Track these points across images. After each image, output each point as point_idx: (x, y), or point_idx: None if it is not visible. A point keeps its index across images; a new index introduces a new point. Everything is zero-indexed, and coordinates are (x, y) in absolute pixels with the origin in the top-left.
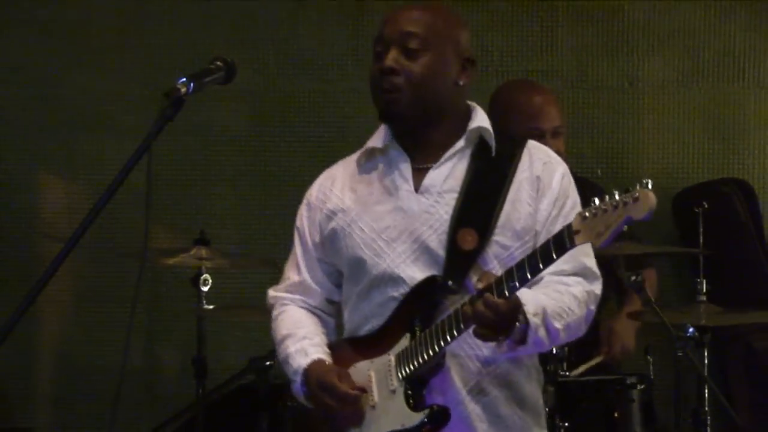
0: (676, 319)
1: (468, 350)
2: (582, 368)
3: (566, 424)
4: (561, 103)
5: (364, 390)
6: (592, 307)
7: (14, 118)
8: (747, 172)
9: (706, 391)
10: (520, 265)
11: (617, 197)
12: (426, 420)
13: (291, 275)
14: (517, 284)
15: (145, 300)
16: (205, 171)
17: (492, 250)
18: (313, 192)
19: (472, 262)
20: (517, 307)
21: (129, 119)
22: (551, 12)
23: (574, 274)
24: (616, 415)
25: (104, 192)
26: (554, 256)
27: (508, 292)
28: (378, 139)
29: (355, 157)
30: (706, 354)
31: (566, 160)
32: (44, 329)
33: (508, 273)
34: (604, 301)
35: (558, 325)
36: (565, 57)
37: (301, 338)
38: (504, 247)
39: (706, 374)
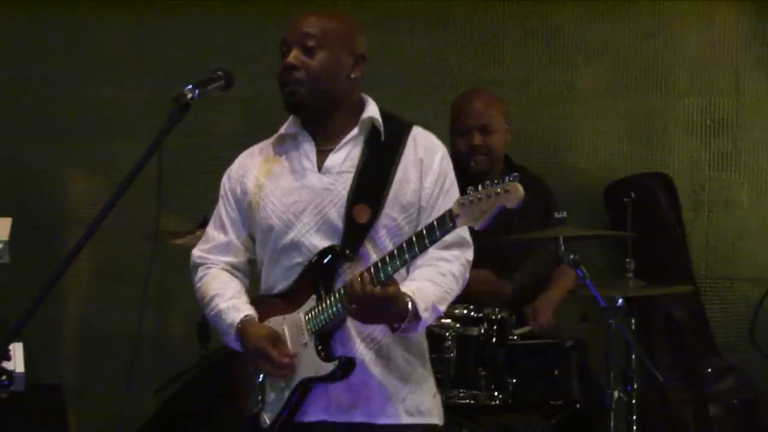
0: (608, 292)
1: None
2: (518, 332)
3: (514, 380)
4: (508, 110)
5: (295, 356)
6: (467, 276)
7: (42, 123)
8: (667, 167)
9: (633, 353)
10: (407, 243)
11: (491, 188)
12: (335, 368)
13: (217, 236)
14: (397, 264)
15: (155, 275)
16: (207, 165)
17: (382, 222)
18: (234, 167)
19: (365, 233)
20: (389, 296)
21: (141, 122)
22: (501, 30)
23: (453, 244)
24: (556, 373)
25: (120, 184)
26: (438, 235)
27: (391, 270)
28: (288, 126)
29: (270, 141)
30: (633, 322)
31: (502, 155)
32: (69, 300)
33: (392, 252)
34: (547, 281)
35: (442, 307)
36: (512, 69)
37: (230, 297)
38: (392, 219)
39: (633, 339)
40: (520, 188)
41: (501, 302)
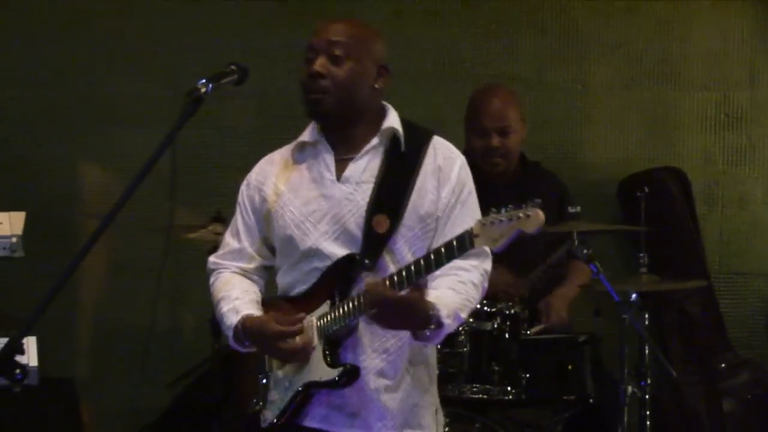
0: (621, 287)
1: None
2: (532, 331)
3: (527, 375)
4: (522, 105)
5: (300, 322)
6: (486, 285)
7: (58, 115)
8: (681, 161)
9: (647, 348)
10: (424, 260)
11: (512, 211)
12: (339, 375)
13: (231, 242)
14: (413, 278)
15: (169, 269)
16: (220, 159)
17: (400, 233)
18: (253, 175)
19: (384, 243)
20: (412, 301)
21: (155, 116)
22: (515, 25)
23: (472, 254)
24: (569, 368)
25: (134, 178)
26: (456, 254)
27: (410, 282)
28: (308, 134)
29: (290, 147)
30: (646, 317)
31: (518, 154)
32: (83, 294)
33: (410, 266)
34: (560, 276)
35: (463, 315)
36: (526, 64)
37: (234, 299)
38: (410, 229)
39: (646, 334)
40: (542, 215)
41: (514, 299)
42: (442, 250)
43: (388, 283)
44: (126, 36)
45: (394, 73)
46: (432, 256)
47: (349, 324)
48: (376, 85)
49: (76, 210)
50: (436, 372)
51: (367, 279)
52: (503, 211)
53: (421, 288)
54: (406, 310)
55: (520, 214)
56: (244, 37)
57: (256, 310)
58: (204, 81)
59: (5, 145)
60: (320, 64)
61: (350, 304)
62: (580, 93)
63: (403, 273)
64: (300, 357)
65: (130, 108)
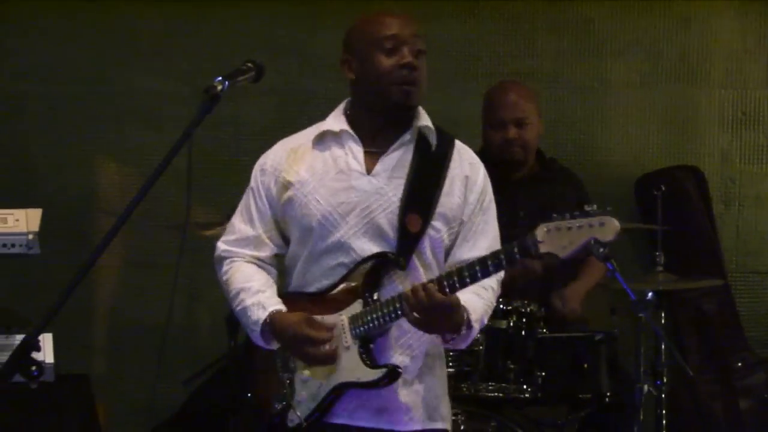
0: (638, 285)
1: None
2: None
3: (543, 374)
4: (539, 101)
5: (334, 338)
6: (499, 291)
7: (75, 113)
8: (698, 160)
9: (663, 346)
10: (479, 262)
11: (583, 218)
12: (382, 376)
13: (243, 228)
14: (467, 279)
15: (185, 266)
16: (236, 156)
17: (429, 234)
18: (268, 160)
19: (416, 243)
20: (453, 305)
21: (172, 112)
22: (532, 22)
23: None
24: (585, 366)
25: (150, 175)
26: (518, 258)
27: (458, 286)
28: (333, 123)
29: (308, 134)
30: (662, 315)
31: (536, 148)
32: (99, 291)
33: (462, 270)
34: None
35: (486, 320)
36: (544, 61)
37: (256, 291)
38: (437, 231)
39: (662, 332)
40: (617, 223)
41: (531, 280)
42: (502, 255)
43: (436, 286)
44: (144, 33)
45: None
46: (488, 260)
47: (385, 325)
48: None
49: (93, 207)
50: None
51: (395, 281)
52: (567, 216)
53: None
54: (447, 315)
55: (594, 222)
56: (261, 34)
57: (282, 306)
58: (220, 78)
59: (22, 143)
60: (413, 59)
61: (389, 307)
62: (597, 91)
63: (452, 274)
64: (327, 362)
65: (147, 105)
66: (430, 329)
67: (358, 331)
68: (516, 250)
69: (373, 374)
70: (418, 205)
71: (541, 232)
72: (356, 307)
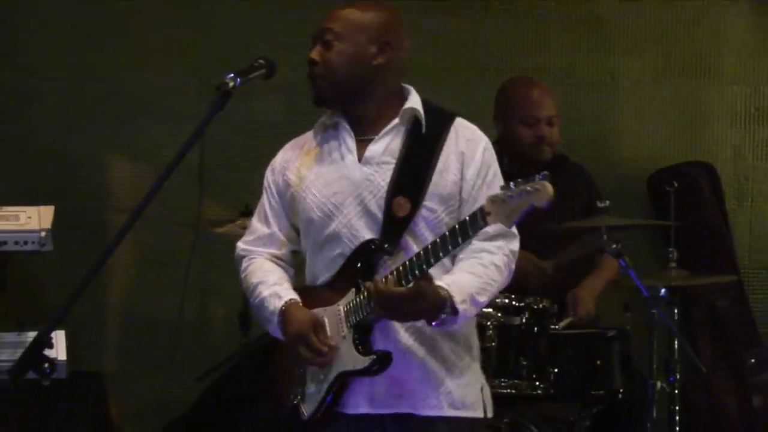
0: (651, 281)
1: None
2: (560, 325)
3: (555, 370)
4: (553, 96)
5: (334, 347)
6: (513, 266)
7: (87, 109)
8: (711, 155)
9: (676, 343)
10: (440, 240)
11: (521, 186)
12: (371, 363)
13: (260, 228)
14: (431, 260)
15: (197, 263)
16: (248, 153)
17: (422, 215)
18: (278, 159)
19: (405, 227)
20: (418, 294)
21: (184, 109)
22: (543, 17)
23: (497, 235)
24: (598, 362)
25: (162, 171)
26: (470, 233)
27: (426, 267)
28: (329, 115)
29: (313, 131)
30: (675, 311)
31: (559, 146)
32: (112, 288)
33: (426, 249)
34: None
35: (483, 299)
36: (555, 56)
37: (273, 284)
38: (431, 211)
39: (675, 329)
40: (549, 187)
41: (541, 279)
42: (456, 228)
43: (394, 277)
44: (156, 30)
45: (423, 66)
46: (447, 235)
47: (375, 313)
48: (375, 62)
49: (105, 204)
50: (478, 351)
51: (388, 266)
52: (512, 186)
53: (429, 276)
54: (412, 303)
55: (529, 188)
56: (273, 31)
57: (297, 298)
58: (232, 75)
59: (34, 139)
60: (315, 52)
61: (363, 296)
62: (609, 87)
63: (420, 256)
64: (318, 363)
65: (160, 102)
66: (401, 319)
67: (352, 318)
68: (468, 222)
69: (364, 361)
70: (406, 188)
71: (488, 203)
72: (350, 295)
